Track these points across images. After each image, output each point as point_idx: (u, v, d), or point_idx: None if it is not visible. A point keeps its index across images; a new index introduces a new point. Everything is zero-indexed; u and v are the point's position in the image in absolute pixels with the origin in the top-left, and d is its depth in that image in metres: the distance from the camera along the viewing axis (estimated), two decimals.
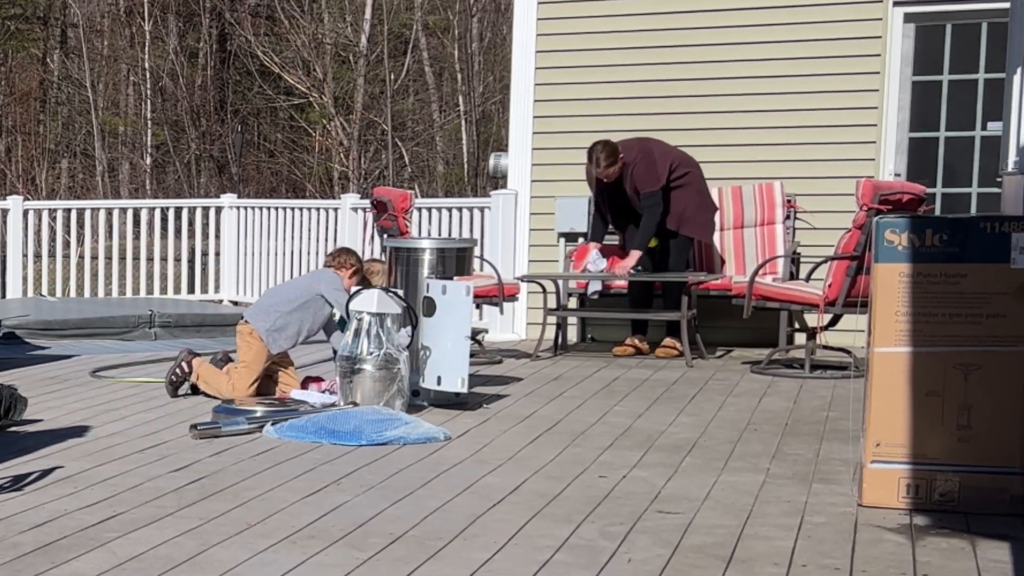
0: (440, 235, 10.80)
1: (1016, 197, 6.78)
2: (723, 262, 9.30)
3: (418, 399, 6.62)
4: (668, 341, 8.72)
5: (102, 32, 31.81)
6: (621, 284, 8.95)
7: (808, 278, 8.60)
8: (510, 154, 10.42)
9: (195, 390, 6.87)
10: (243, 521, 4.21)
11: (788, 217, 9.21)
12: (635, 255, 8.61)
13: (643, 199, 8.62)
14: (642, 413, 6.43)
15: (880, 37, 9.35)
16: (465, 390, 6.40)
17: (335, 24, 29.77)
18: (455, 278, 6.70)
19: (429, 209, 11.25)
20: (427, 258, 6.88)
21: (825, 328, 7.82)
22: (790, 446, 5.58)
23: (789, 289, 8.05)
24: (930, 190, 9.19)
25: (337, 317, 6.86)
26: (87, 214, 13.25)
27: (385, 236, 8.51)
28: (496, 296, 8.59)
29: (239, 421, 5.83)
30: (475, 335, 8.62)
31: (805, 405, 6.69)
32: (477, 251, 10.45)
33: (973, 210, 9.51)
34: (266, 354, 6.78)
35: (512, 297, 8.81)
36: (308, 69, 29.40)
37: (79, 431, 5.84)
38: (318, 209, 12.31)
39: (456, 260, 6.93)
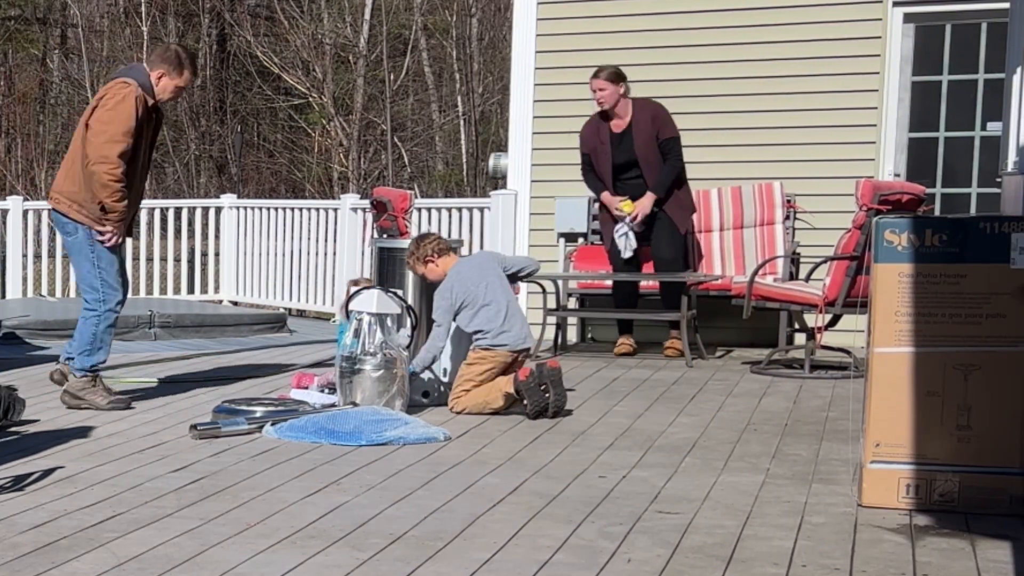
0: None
1: (1016, 197, 6.78)
2: (713, 260, 9.29)
3: (428, 399, 6.64)
4: (674, 342, 8.71)
5: (101, 33, 31.81)
6: (653, 285, 8.94)
7: (808, 278, 8.60)
8: (510, 154, 10.41)
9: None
10: (243, 521, 4.21)
11: (788, 217, 9.21)
12: (650, 197, 8.58)
13: (666, 144, 8.61)
14: (642, 413, 6.43)
15: (880, 37, 9.35)
16: None
17: (334, 24, 29.78)
18: None
19: (429, 209, 11.25)
20: None
21: (825, 328, 7.82)
22: (790, 446, 5.59)
23: (789, 289, 8.05)
24: (930, 190, 9.20)
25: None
26: None
27: (384, 236, 8.51)
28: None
29: (239, 421, 5.83)
30: None
31: (805, 405, 6.69)
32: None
33: (973, 210, 9.51)
34: None
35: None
36: (307, 69, 29.41)
37: (79, 431, 5.84)
38: (318, 209, 12.32)
39: None
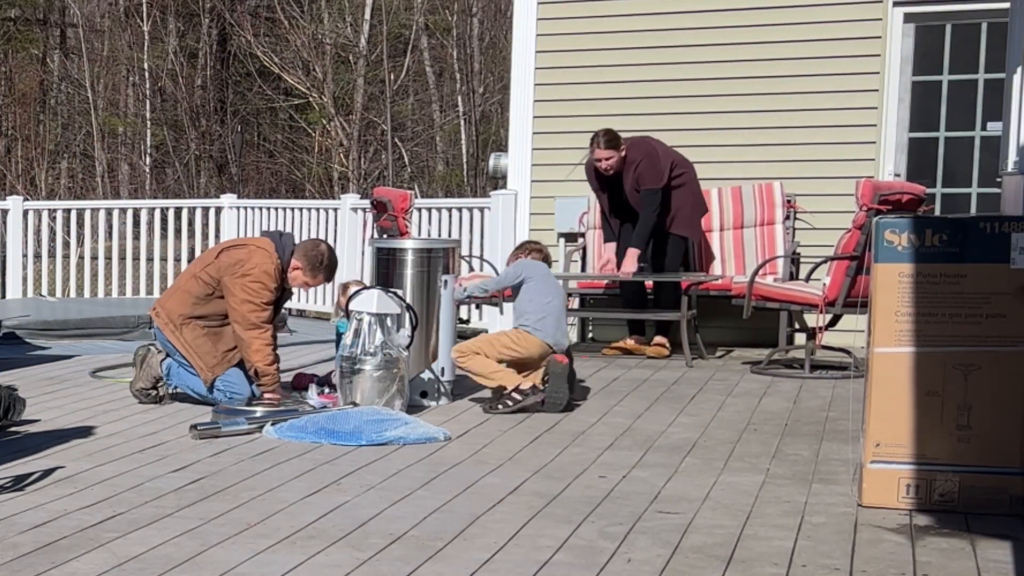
0: (440, 235, 10.79)
1: (1016, 197, 6.78)
2: (713, 260, 9.29)
3: (427, 399, 6.65)
4: (658, 339, 8.72)
5: (102, 32, 31.81)
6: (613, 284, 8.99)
7: (808, 278, 8.60)
8: (510, 154, 10.42)
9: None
10: (243, 521, 4.21)
11: (788, 217, 9.21)
12: (633, 253, 8.60)
13: (643, 195, 8.61)
14: (642, 413, 6.43)
15: (880, 37, 9.35)
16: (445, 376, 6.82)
17: (335, 24, 29.77)
18: (447, 276, 6.81)
19: (429, 209, 11.24)
20: (410, 258, 6.89)
21: (825, 328, 7.82)
22: (790, 446, 5.59)
23: (789, 289, 8.05)
24: (930, 190, 9.19)
25: None
26: (87, 214, 13.25)
27: (385, 236, 8.51)
28: (496, 296, 8.59)
29: (239, 421, 5.83)
30: (474, 335, 8.62)
31: (805, 405, 6.69)
32: (476, 251, 10.53)
33: (973, 210, 9.51)
34: None
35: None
36: (308, 69, 29.40)
37: (79, 431, 5.85)
38: (318, 209, 12.31)
39: (441, 260, 6.95)
